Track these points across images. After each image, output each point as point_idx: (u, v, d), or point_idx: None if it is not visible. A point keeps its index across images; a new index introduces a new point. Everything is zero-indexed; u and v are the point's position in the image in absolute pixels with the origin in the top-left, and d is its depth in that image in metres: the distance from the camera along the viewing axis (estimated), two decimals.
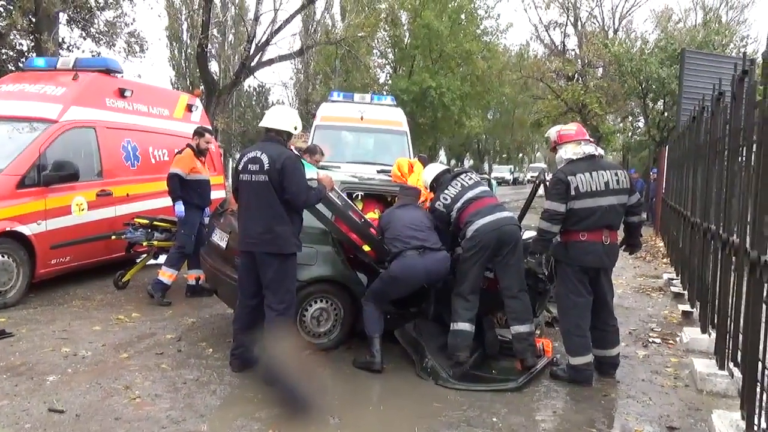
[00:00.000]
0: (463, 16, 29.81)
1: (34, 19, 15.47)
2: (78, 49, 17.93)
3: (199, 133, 7.10)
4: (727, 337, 4.60)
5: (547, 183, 5.18)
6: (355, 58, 24.32)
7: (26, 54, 16.78)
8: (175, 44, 38.42)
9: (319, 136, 11.24)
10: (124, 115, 8.15)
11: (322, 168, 7.58)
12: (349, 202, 5.31)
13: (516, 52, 37.86)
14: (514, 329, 4.88)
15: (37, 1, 14.82)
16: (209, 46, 20.37)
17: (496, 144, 60.06)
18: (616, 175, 4.73)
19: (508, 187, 44.13)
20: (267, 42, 18.69)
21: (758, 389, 3.48)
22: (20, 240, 6.37)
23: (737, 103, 4.63)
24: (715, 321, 5.11)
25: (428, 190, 5.50)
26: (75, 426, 3.68)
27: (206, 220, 6.86)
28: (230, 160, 31.22)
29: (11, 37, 16.55)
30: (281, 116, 4.56)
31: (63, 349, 5.03)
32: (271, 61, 19.72)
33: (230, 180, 4.82)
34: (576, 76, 29.27)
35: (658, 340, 6.05)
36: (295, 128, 4.56)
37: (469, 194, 5.04)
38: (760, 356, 3.51)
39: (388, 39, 31.79)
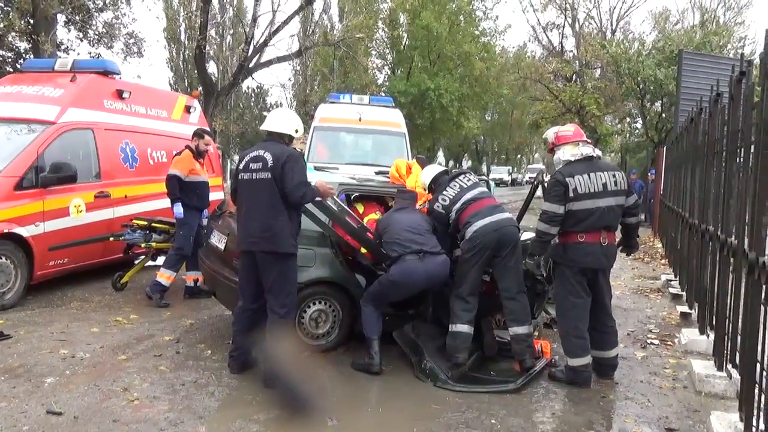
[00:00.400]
0: (461, 18, 29.84)
1: (31, 21, 15.46)
2: (74, 51, 17.93)
3: (198, 134, 7.10)
4: (726, 338, 4.60)
5: (546, 184, 5.19)
6: (354, 60, 24.34)
7: (24, 55, 16.77)
8: (173, 45, 38.49)
9: (318, 138, 11.25)
10: (122, 117, 8.15)
11: (320, 169, 7.60)
12: (345, 207, 5.30)
13: (514, 53, 37.89)
14: (512, 330, 4.88)
15: (34, 2, 14.82)
16: (207, 47, 20.37)
17: (495, 145, 60.13)
18: (614, 176, 4.73)
19: (506, 188, 44.18)
20: (265, 43, 18.71)
21: (756, 391, 3.48)
22: (18, 242, 6.36)
23: (735, 105, 4.63)
24: (714, 322, 5.12)
25: (426, 192, 5.49)
26: (73, 428, 3.68)
27: (205, 221, 6.86)
28: (229, 161, 31.24)
29: (9, 39, 16.54)
30: (283, 119, 4.55)
31: (61, 351, 5.02)
32: (269, 63, 19.74)
33: (228, 182, 4.82)
34: (574, 77, 29.32)
35: (656, 342, 6.05)
36: (297, 131, 4.54)
37: (468, 195, 5.04)
38: (759, 358, 3.51)
39: (386, 40, 31.83)
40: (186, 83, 36.90)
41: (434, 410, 4.21)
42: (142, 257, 7.50)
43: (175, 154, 7.09)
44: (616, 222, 4.79)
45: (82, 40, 18.03)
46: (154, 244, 7.10)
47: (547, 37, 34.83)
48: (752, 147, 3.90)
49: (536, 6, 32.73)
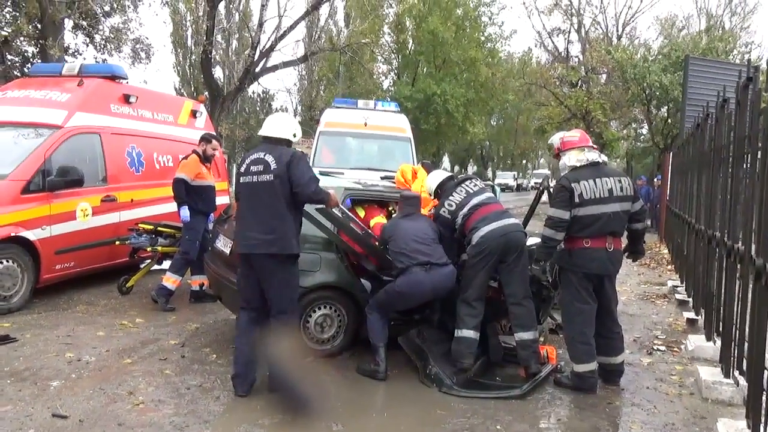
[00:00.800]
0: (467, 23, 29.88)
1: (39, 26, 15.57)
2: (81, 56, 18.03)
3: (206, 139, 7.13)
4: (732, 344, 4.57)
5: (551, 189, 5.18)
6: (359, 65, 24.38)
7: (31, 60, 16.87)
8: (179, 50, 38.63)
9: (323, 142, 11.27)
10: (128, 121, 8.18)
11: (326, 174, 7.60)
12: (350, 213, 5.29)
13: (519, 58, 37.91)
14: (518, 336, 4.87)
15: (42, 7, 14.92)
16: (213, 52, 20.45)
17: (500, 150, 60.10)
18: (620, 182, 4.72)
19: (511, 193, 44.12)
20: (271, 48, 18.76)
21: (764, 397, 3.46)
22: (25, 245, 6.39)
23: (742, 110, 4.62)
24: (720, 329, 5.09)
25: (432, 197, 5.49)
26: (78, 431, 3.69)
27: (211, 226, 6.87)
28: (234, 166, 31.30)
29: (17, 43, 16.65)
30: (280, 124, 4.52)
31: (67, 355, 5.03)
32: (275, 68, 19.80)
33: (234, 186, 4.82)
34: (579, 82, 29.31)
35: (662, 348, 6.03)
36: (294, 135, 4.51)
37: (475, 200, 5.04)
38: (766, 364, 3.50)
39: (392, 45, 31.88)
40: (192, 88, 37.04)
41: (439, 416, 4.20)
42: (148, 261, 7.51)
43: (182, 159, 7.11)
44: (621, 228, 4.78)
45: (89, 45, 18.16)
46: (159, 248, 7.12)
47: (553, 42, 34.90)
48: (759, 153, 3.89)
49: (542, 9, 32.72)
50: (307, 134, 16.77)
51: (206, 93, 18.26)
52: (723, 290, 5.02)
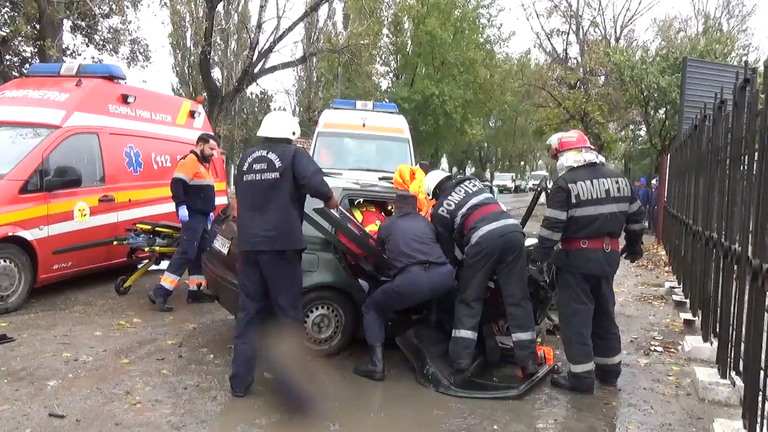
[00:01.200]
0: (465, 25, 29.90)
1: (38, 26, 15.55)
2: (80, 56, 18.01)
3: (203, 139, 7.12)
4: (729, 345, 4.58)
5: (549, 191, 5.18)
6: (358, 66, 24.40)
7: (30, 60, 16.85)
8: (178, 51, 38.60)
9: (322, 143, 11.27)
10: (126, 121, 8.18)
11: (324, 175, 7.59)
12: (347, 214, 5.30)
13: (518, 60, 37.95)
14: (515, 336, 4.87)
15: (41, 7, 14.90)
16: (212, 53, 20.45)
17: (498, 152, 60.13)
18: (617, 182, 4.73)
19: (509, 194, 44.15)
20: (270, 49, 18.79)
21: (760, 398, 3.47)
22: (22, 245, 6.38)
23: (739, 112, 4.63)
24: (717, 329, 5.10)
25: (430, 197, 5.49)
26: (75, 431, 3.68)
27: (210, 226, 6.87)
28: (232, 166, 31.29)
29: (15, 44, 16.63)
30: (278, 124, 4.52)
31: (64, 354, 5.03)
32: (273, 69, 19.82)
33: (233, 187, 4.83)
34: (578, 84, 29.36)
35: (659, 349, 6.03)
36: (294, 133, 4.53)
37: (474, 200, 5.04)
38: (762, 365, 3.50)
39: (390, 47, 31.90)
40: (190, 88, 37.02)
41: (436, 416, 4.20)
42: (146, 261, 7.51)
43: (180, 159, 7.11)
44: (619, 228, 4.79)
45: (87, 46, 18.14)
46: (157, 248, 7.12)
47: (551, 44, 34.93)
48: (756, 154, 3.90)
49: (541, 12, 32.78)
50: (305, 135, 16.77)
51: (205, 94, 18.28)
52: (720, 291, 5.03)
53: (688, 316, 6.90)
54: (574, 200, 4.60)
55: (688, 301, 7.43)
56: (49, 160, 6.76)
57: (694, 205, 7.13)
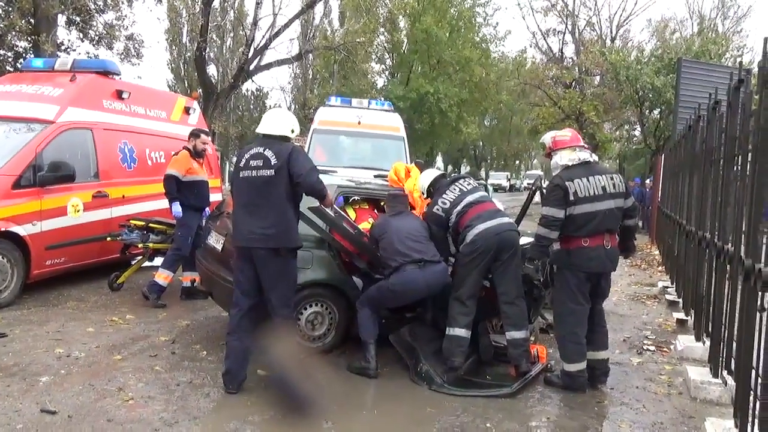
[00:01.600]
0: (461, 24, 29.90)
1: (32, 21, 15.47)
2: (74, 51, 17.93)
3: (194, 134, 7.10)
4: (721, 345, 4.60)
5: (544, 190, 5.19)
6: (354, 64, 24.38)
7: (24, 55, 16.77)
8: (174, 47, 38.45)
9: (317, 141, 11.27)
10: (121, 117, 8.15)
11: (319, 172, 7.58)
12: (342, 213, 5.29)
13: (513, 59, 37.96)
14: (509, 335, 4.88)
15: (36, 2, 14.84)
16: (208, 49, 20.40)
17: (493, 151, 60.17)
18: (612, 179, 4.75)
19: (504, 193, 44.18)
20: (265, 46, 18.76)
21: (751, 397, 3.49)
22: (15, 240, 6.35)
23: (733, 112, 4.65)
24: (710, 329, 5.12)
25: (425, 196, 5.49)
26: (67, 427, 3.67)
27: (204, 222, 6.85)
28: (227, 163, 31.23)
29: (9, 38, 16.54)
30: (278, 121, 4.51)
31: (56, 350, 5.01)
32: (269, 66, 19.79)
33: (227, 183, 4.83)
34: (573, 83, 29.41)
35: (652, 348, 6.06)
36: (293, 131, 4.52)
37: (469, 198, 5.04)
38: (754, 364, 3.52)
39: (386, 45, 31.87)
40: (186, 85, 36.90)
41: (429, 414, 4.21)
42: (139, 257, 7.49)
43: (173, 155, 7.09)
44: (617, 225, 4.79)
45: (82, 41, 18.06)
46: (151, 245, 7.10)
47: (547, 43, 34.97)
48: (749, 155, 3.91)
49: (537, 9, 32.80)
50: (300, 132, 16.78)
51: (200, 90, 18.24)
52: (713, 291, 5.05)
53: (681, 315, 6.92)
54: (572, 198, 4.59)
55: (681, 300, 7.46)
56: (43, 156, 6.73)
57: (688, 205, 7.15)
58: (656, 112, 24.59)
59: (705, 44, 24.36)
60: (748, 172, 3.91)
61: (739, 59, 25.47)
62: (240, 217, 4.39)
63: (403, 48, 30.92)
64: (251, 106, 40.76)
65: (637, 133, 30.10)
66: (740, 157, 4.33)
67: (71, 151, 7.22)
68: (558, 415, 4.36)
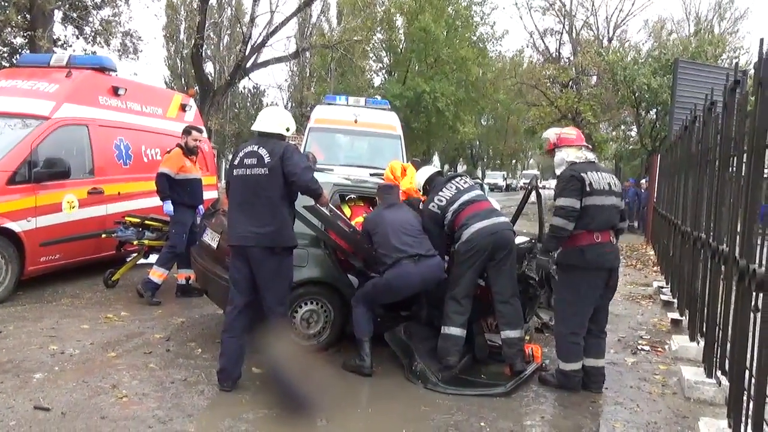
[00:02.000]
0: (458, 23, 29.90)
1: (28, 16, 15.42)
2: (71, 47, 17.87)
3: (186, 131, 7.06)
4: (716, 345, 4.61)
5: (540, 190, 5.17)
6: (351, 62, 24.36)
7: (20, 50, 16.71)
8: (171, 44, 38.37)
9: (313, 139, 11.25)
10: (117, 114, 8.13)
11: (315, 170, 7.58)
12: (338, 212, 5.29)
13: (510, 58, 38.00)
14: (504, 334, 4.88)
15: None
16: (205, 46, 20.36)
17: (490, 150, 60.20)
18: (612, 178, 4.79)
19: (500, 193, 44.19)
20: (262, 44, 18.74)
21: (745, 397, 3.50)
22: (9, 237, 6.34)
23: (729, 113, 4.66)
24: (704, 329, 5.14)
25: (421, 193, 5.48)
26: (60, 424, 3.66)
27: (199, 219, 6.83)
28: (223, 161, 31.17)
29: (5, 34, 16.48)
30: (272, 119, 4.50)
31: (50, 347, 5.00)
32: (266, 63, 19.78)
33: (223, 181, 4.84)
34: (570, 83, 29.42)
35: (646, 348, 6.07)
36: (287, 129, 4.50)
37: (466, 197, 5.04)
38: (748, 365, 3.53)
39: (383, 43, 31.85)
40: (183, 81, 36.82)
41: (424, 412, 4.21)
42: (134, 254, 7.48)
43: (167, 152, 7.07)
44: (618, 222, 4.80)
45: (78, 37, 18.01)
46: (146, 242, 7.08)
47: (545, 43, 34.96)
48: (745, 156, 3.92)
49: (535, 8, 32.80)
50: (297, 130, 16.78)
51: (196, 87, 18.19)
52: (707, 291, 5.06)
53: (676, 315, 6.94)
54: (588, 188, 4.55)
55: (675, 300, 7.48)
56: (38, 152, 6.71)
57: (683, 206, 7.16)
58: (652, 112, 24.64)
59: (701, 45, 24.41)
60: (743, 173, 3.92)
61: (735, 60, 25.54)
62: (235, 215, 4.37)
63: (401, 46, 30.90)
64: (248, 104, 40.62)
65: (633, 133, 30.13)
66: (735, 158, 4.34)
67: (66, 147, 7.20)
68: (552, 415, 4.37)
